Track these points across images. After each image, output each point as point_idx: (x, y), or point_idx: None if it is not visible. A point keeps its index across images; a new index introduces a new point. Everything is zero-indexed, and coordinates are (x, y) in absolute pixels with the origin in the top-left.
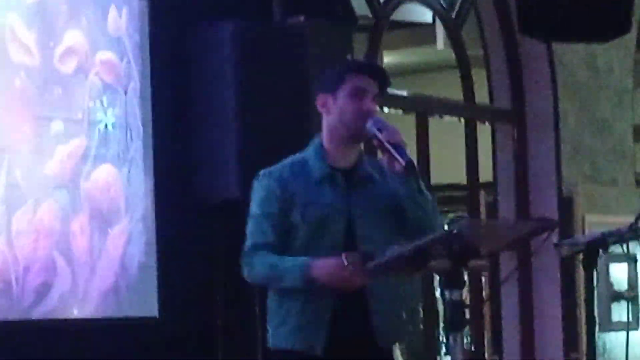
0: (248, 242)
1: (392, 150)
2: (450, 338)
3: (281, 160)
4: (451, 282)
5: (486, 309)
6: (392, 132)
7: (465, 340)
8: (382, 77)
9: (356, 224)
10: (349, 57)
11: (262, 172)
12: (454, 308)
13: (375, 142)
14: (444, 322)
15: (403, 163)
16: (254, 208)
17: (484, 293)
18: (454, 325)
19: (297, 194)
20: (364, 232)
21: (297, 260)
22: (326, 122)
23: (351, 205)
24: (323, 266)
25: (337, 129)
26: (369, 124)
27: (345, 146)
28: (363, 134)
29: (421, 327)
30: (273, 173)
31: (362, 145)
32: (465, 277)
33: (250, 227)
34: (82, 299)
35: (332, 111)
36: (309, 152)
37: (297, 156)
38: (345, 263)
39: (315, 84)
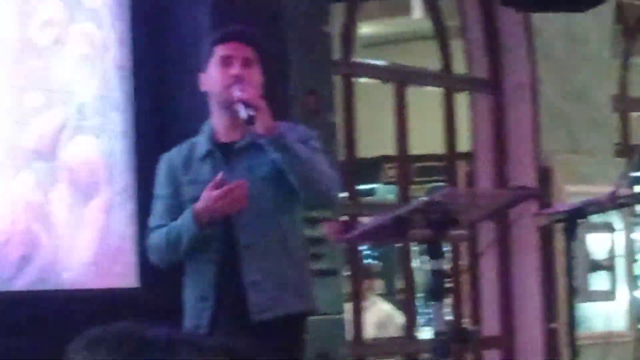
0: (149, 226)
1: (239, 107)
2: (432, 308)
3: None
4: (431, 251)
5: (465, 279)
6: (246, 91)
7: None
8: (250, 39)
9: None
10: None
11: (161, 155)
12: (435, 277)
13: (235, 106)
14: (424, 292)
15: (245, 117)
16: (155, 191)
17: (462, 263)
18: (435, 294)
19: (182, 174)
20: None
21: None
22: (210, 99)
23: (232, 178)
24: (202, 198)
25: (215, 102)
26: (233, 88)
27: (230, 120)
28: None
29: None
30: (165, 156)
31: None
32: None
33: (152, 211)
34: (62, 270)
35: (209, 87)
36: (201, 132)
37: (196, 137)
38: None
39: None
